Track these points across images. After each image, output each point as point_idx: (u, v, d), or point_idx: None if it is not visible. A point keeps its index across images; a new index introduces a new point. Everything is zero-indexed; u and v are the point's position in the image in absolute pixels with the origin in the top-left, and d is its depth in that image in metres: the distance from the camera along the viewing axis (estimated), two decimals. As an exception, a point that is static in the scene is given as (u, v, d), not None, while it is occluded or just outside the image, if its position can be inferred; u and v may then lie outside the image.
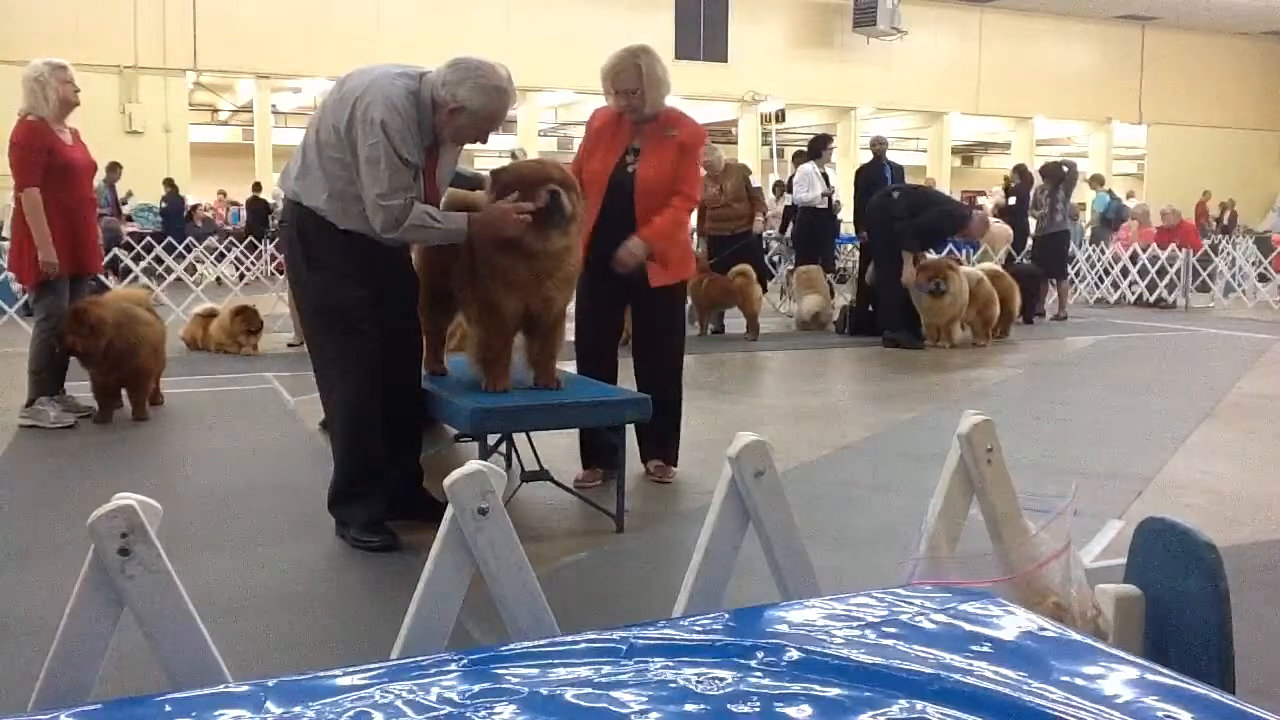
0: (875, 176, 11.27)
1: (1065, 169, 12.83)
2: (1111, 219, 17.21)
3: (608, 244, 4.47)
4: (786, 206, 13.06)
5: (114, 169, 15.77)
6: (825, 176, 11.52)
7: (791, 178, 12.54)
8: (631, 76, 4.47)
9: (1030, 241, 13.39)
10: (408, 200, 3.65)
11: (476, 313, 4.02)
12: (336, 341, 3.80)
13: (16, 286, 8.72)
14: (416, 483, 4.10)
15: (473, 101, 3.69)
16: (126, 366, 6.03)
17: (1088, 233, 17.70)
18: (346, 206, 3.70)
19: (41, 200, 5.63)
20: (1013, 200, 14.16)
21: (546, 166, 4.08)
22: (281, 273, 12.35)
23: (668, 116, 4.60)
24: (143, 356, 6.13)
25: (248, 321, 9.09)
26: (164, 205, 17.80)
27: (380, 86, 3.64)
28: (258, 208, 18.88)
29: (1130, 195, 24.44)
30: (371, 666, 1.31)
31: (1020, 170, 14.71)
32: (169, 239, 14.88)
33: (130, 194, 17.36)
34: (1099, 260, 15.52)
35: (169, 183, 17.99)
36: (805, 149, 12.41)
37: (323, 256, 3.76)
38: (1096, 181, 18.65)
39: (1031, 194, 13.15)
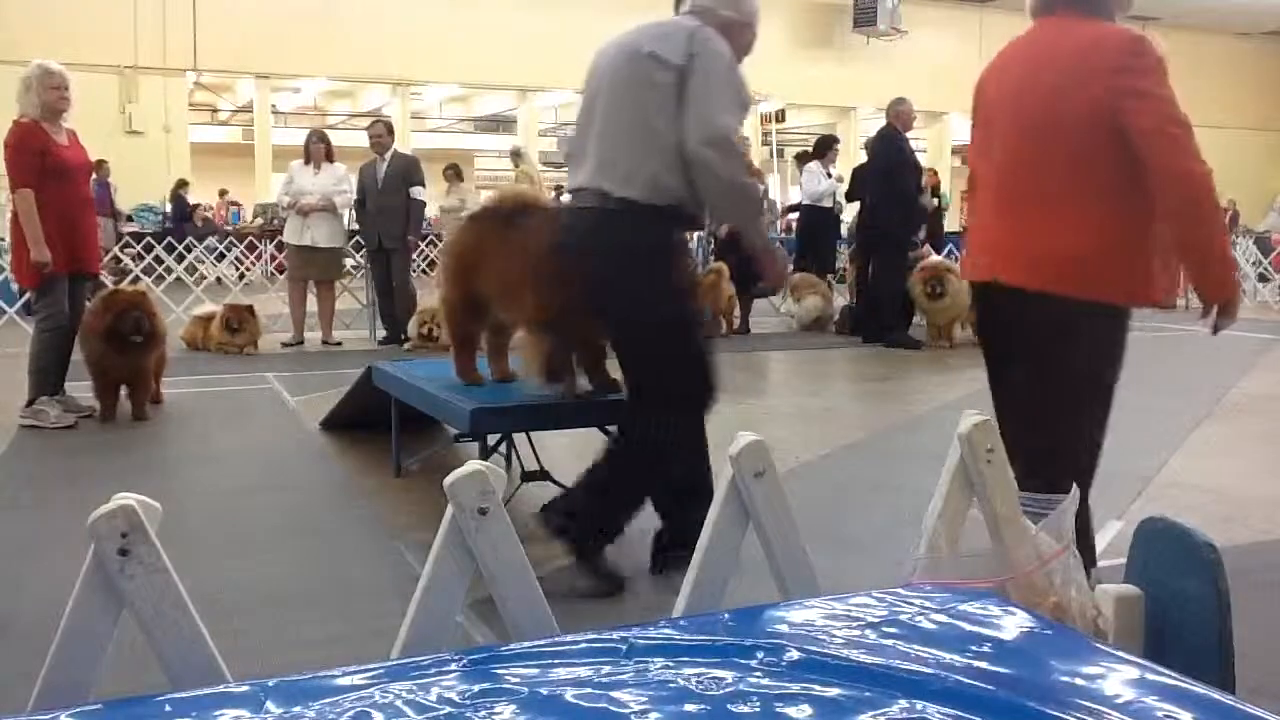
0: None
1: None
2: None
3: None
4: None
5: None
6: (830, 176, 11.56)
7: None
8: None
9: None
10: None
11: (537, 328, 3.79)
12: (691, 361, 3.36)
13: (16, 286, 8.73)
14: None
15: (756, 11, 3.40)
16: (151, 356, 6.13)
17: None
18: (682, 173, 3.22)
19: (35, 200, 5.65)
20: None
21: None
22: (282, 272, 12.27)
23: None
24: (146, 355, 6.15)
25: (239, 318, 9.03)
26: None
27: (695, 25, 3.24)
28: None
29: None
30: (371, 666, 1.31)
31: None
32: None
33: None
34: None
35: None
36: (810, 149, 12.40)
37: (666, 268, 3.31)
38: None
39: None
